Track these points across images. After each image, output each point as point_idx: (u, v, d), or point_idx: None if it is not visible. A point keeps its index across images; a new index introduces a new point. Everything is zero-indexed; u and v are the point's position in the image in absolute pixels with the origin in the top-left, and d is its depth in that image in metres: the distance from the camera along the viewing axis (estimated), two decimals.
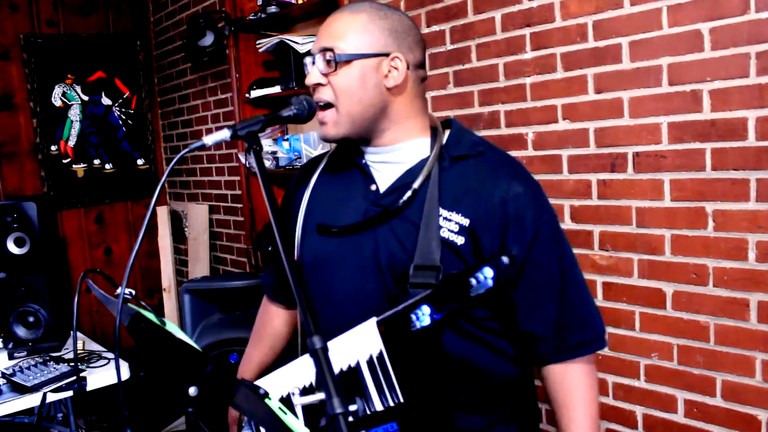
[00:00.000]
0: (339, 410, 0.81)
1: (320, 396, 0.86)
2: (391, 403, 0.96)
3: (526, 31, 2.00)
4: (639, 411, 1.88)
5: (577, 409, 1.17)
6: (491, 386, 1.20)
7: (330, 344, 0.95)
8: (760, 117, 1.55)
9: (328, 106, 1.18)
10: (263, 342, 1.53)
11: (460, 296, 0.88)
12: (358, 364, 0.98)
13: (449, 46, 2.22)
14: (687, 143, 1.69)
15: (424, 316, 0.91)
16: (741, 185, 1.60)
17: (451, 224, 1.14)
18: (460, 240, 1.13)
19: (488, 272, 0.86)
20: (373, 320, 0.98)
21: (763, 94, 1.54)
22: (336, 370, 0.99)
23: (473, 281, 0.86)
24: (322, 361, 0.85)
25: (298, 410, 0.96)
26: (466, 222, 1.13)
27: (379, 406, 0.96)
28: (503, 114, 2.10)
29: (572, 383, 1.19)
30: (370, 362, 0.97)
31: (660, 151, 1.74)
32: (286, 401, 1.04)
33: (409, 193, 1.15)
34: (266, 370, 1.49)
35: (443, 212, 1.14)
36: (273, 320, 1.52)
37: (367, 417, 0.97)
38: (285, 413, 0.93)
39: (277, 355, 1.53)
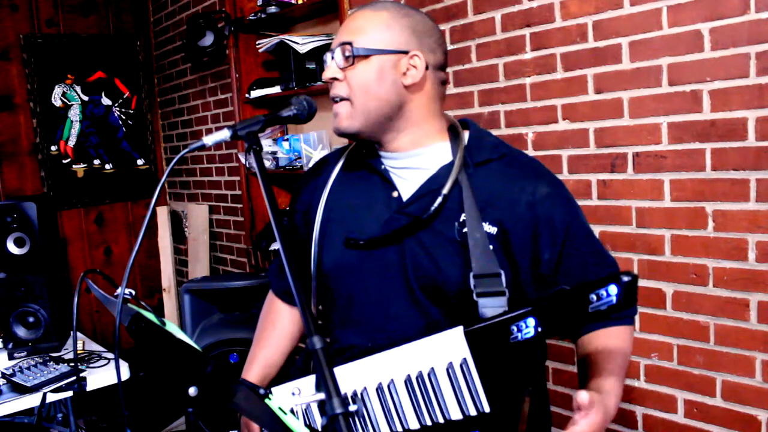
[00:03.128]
0: (339, 410, 0.81)
1: (320, 396, 0.86)
2: (473, 412, 0.96)
3: (526, 32, 1.99)
4: (639, 411, 1.88)
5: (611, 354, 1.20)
6: None
7: (405, 347, 0.97)
8: (760, 117, 1.55)
9: (344, 99, 1.17)
10: (269, 341, 1.43)
11: (578, 312, 0.84)
12: (432, 370, 0.99)
13: (449, 46, 2.22)
14: (687, 143, 1.69)
15: (528, 329, 0.89)
16: (741, 185, 1.60)
17: None
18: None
19: (612, 290, 0.82)
20: (460, 328, 0.97)
21: (763, 94, 1.54)
22: (405, 375, 1.00)
23: (593, 297, 0.83)
24: (321, 362, 0.85)
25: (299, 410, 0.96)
26: (493, 230, 1.13)
27: (456, 415, 0.97)
28: (503, 114, 2.09)
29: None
30: (450, 369, 0.98)
31: (660, 151, 1.74)
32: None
33: (439, 200, 1.12)
34: (278, 372, 1.42)
35: None
36: (281, 318, 1.45)
37: (445, 425, 0.98)
38: (285, 413, 0.93)
39: (286, 356, 1.44)
